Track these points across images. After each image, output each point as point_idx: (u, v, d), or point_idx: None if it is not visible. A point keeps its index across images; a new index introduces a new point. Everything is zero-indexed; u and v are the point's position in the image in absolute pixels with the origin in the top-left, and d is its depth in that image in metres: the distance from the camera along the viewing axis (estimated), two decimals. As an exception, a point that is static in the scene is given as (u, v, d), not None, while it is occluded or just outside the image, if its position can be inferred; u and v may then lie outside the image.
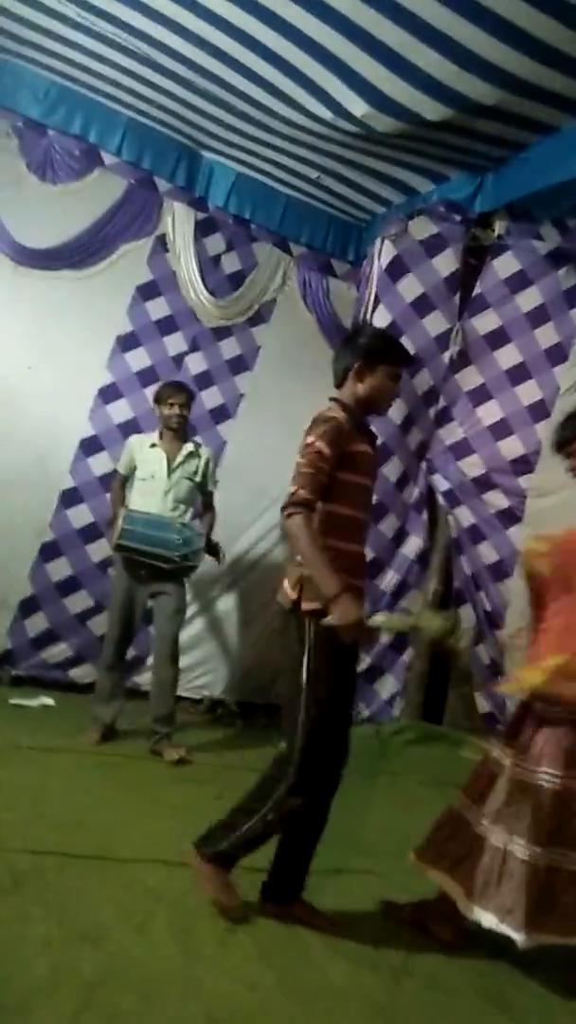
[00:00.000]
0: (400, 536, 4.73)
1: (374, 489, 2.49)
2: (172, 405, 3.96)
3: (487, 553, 4.57)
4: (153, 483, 3.94)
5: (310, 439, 2.28)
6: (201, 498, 4.12)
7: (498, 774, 2.32)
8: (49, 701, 4.24)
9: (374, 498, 4.78)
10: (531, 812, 2.19)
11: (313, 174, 4.77)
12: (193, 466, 4.01)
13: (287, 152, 4.62)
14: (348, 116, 4.02)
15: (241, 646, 4.86)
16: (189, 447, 4.02)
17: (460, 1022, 2.03)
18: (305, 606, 2.26)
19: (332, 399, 2.42)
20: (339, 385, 2.44)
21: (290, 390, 4.87)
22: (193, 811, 2.83)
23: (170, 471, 3.96)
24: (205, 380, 4.93)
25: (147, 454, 3.99)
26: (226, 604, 4.88)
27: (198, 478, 4.03)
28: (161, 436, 4.02)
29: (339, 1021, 1.94)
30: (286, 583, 2.35)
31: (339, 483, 2.29)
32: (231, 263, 5.02)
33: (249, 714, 4.70)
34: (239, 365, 5.03)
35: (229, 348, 5.03)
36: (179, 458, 3.98)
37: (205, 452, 4.10)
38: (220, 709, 4.70)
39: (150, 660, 4.23)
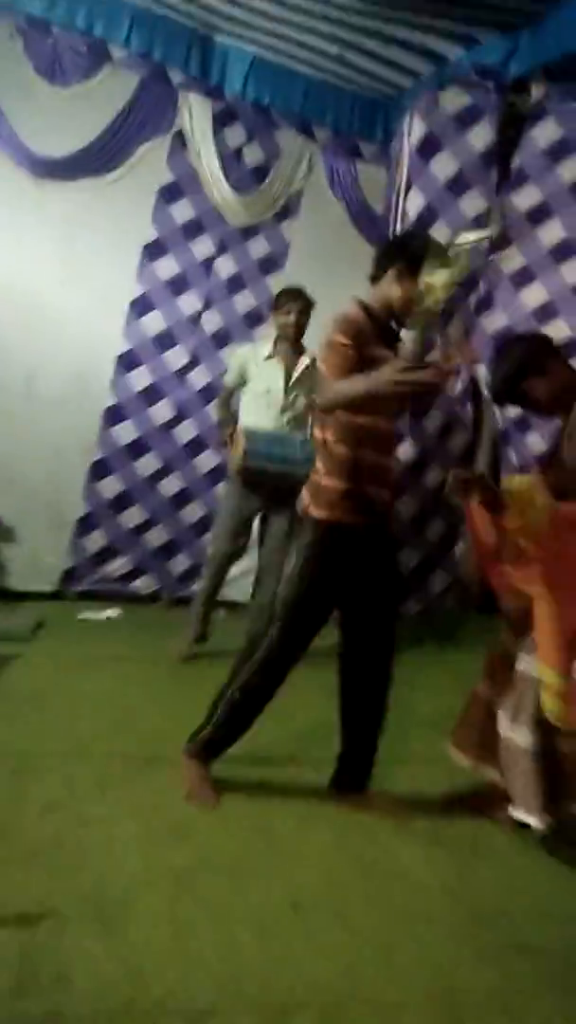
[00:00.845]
0: (446, 431, 4.67)
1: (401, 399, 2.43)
2: (288, 312, 3.68)
3: (535, 443, 4.50)
4: (268, 398, 3.70)
5: (327, 338, 2.26)
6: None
7: (508, 663, 2.43)
8: (116, 613, 4.42)
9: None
10: (531, 701, 2.29)
11: (333, 50, 4.47)
12: (311, 381, 3.69)
13: (305, 28, 4.32)
14: (368, -19, 3.73)
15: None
16: (307, 360, 3.73)
17: (530, 900, 2.15)
18: (312, 512, 2.36)
19: (358, 300, 2.37)
20: (374, 281, 2.39)
21: (323, 287, 4.68)
22: (269, 708, 2.98)
23: (288, 386, 3.71)
24: (236, 283, 4.83)
25: (262, 367, 3.73)
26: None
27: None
28: (276, 346, 3.75)
29: (413, 902, 2.08)
30: (305, 491, 2.43)
31: None
32: (253, 155, 4.80)
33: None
34: (270, 265, 4.89)
35: (258, 248, 4.89)
36: (297, 372, 3.72)
37: None
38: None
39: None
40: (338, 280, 4.73)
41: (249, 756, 2.66)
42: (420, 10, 3.98)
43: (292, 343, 3.73)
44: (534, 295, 4.42)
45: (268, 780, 2.61)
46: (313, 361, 3.69)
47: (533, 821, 2.32)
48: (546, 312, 4.35)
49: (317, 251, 4.87)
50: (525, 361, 2.40)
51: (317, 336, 3.66)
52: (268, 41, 4.50)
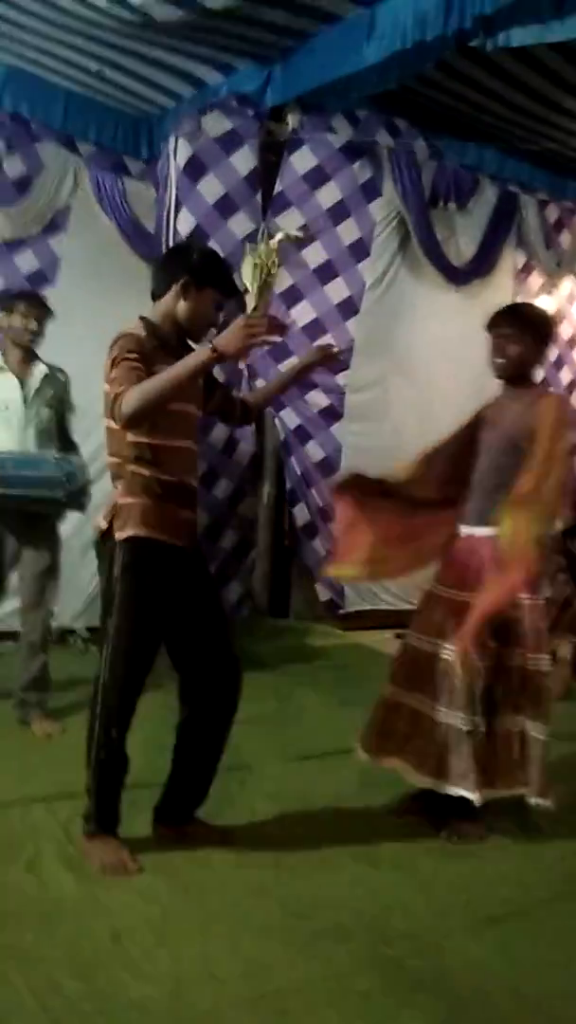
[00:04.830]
0: (230, 445, 4.78)
1: (197, 415, 2.37)
2: (26, 317, 3.32)
3: (314, 452, 4.75)
4: (8, 415, 3.33)
5: (110, 357, 2.17)
6: (58, 432, 3.52)
7: (420, 658, 2.56)
8: None
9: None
10: (459, 686, 2.44)
11: (93, 67, 4.43)
12: (51, 392, 3.44)
13: (62, 42, 4.23)
14: (124, 3, 3.74)
15: (84, 572, 4.80)
16: (44, 369, 3.43)
17: (339, 888, 2.27)
18: (117, 535, 2.21)
19: (141, 317, 2.29)
20: (156, 298, 2.31)
21: (97, 303, 4.64)
22: (63, 744, 2.88)
23: (26, 399, 3.37)
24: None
25: None
26: (63, 531, 4.75)
27: (58, 405, 3.47)
28: (5, 356, 3.39)
29: (233, 913, 2.09)
30: (101, 516, 2.29)
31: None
32: (14, 167, 4.62)
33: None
34: (40, 281, 4.71)
35: (26, 262, 4.70)
36: (35, 382, 3.39)
37: (63, 375, 3.52)
38: (71, 638, 4.68)
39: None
40: (111, 295, 4.73)
41: (52, 793, 2.57)
42: (176, 35, 4.06)
43: (26, 352, 3.39)
44: (303, 312, 4.68)
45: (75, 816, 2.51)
46: (51, 373, 3.45)
47: (473, 796, 2.42)
48: (315, 329, 4.61)
49: (89, 266, 4.78)
50: None
51: (62, 349, 3.57)
52: (23, 51, 4.36)
